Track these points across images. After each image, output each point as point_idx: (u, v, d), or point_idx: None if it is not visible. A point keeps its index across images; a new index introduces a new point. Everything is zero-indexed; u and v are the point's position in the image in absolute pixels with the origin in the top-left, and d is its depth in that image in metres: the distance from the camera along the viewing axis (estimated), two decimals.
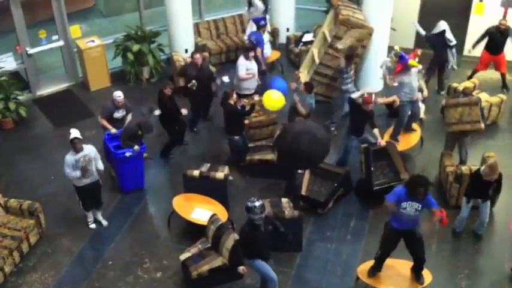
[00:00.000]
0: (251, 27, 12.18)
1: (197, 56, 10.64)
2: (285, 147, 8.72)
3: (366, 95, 9.50)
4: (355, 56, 10.98)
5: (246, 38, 12.24)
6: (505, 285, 7.95)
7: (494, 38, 11.70)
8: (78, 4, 14.42)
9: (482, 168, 8.10)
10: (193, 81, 10.37)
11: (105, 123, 9.70)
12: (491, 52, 11.86)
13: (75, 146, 8.24)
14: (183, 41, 12.68)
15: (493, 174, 7.99)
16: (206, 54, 12.23)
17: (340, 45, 11.16)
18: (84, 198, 8.72)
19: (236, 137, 9.71)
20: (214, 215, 8.34)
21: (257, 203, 6.94)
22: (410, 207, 7.09)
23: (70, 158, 8.28)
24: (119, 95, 9.64)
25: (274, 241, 7.41)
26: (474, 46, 12.04)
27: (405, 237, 7.46)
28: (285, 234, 7.38)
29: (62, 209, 9.36)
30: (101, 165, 8.62)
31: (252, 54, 10.81)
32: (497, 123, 11.16)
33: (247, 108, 9.80)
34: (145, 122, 9.37)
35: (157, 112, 9.94)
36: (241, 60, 10.84)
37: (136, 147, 9.21)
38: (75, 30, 12.34)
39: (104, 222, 9.04)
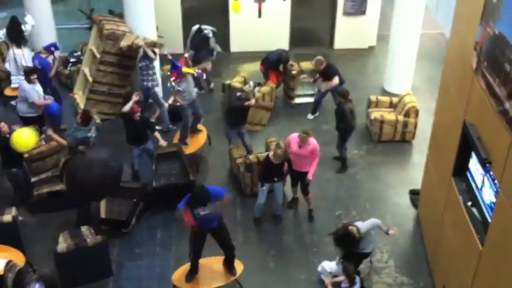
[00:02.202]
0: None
1: None
2: (77, 181, 8.33)
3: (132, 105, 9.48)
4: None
5: (6, 65, 11.69)
6: (309, 259, 8.57)
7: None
8: None
9: (271, 154, 8.64)
10: None
11: None
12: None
13: None
14: None
15: (280, 159, 8.55)
16: None
17: (123, 43, 10.92)
18: None
19: (14, 169, 8.95)
20: (9, 261, 7.58)
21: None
22: (203, 210, 7.20)
23: None
24: None
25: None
26: None
27: (212, 233, 7.60)
28: None
29: None
30: None
31: (34, 76, 10.11)
32: (272, 109, 11.97)
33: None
34: None
35: None
36: (26, 86, 10.10)
37: None
38: None
39: None
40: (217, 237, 7.66)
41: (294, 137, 8.74)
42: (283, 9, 14.11)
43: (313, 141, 8.69)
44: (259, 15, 13.98)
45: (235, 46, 14.15)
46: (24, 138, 8.78)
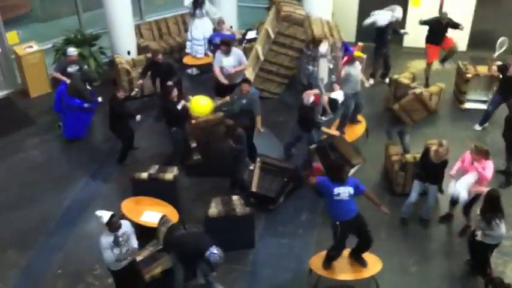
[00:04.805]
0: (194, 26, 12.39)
1: (159, 56, 10.62)
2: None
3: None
4: None
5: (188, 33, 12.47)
6: (454, 271, 8.19)
7: (436, 31, 11.92)
8: (14, 10, 13.97)
9: (433, 149, 8.34)
10: (136, 89, 10.41)
11: (59, 75, 10.70)
12: (435, 43, 12.10)
13: (113, 225, 6.92)
14: (124, 43, 12.51)
15: (439, 159, 8.29)
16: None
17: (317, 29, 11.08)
18: (124, 284, 7.40)
19: (174, 128, 9.62)
20: (164, 216, 8.24)
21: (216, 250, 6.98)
22: (343, 192, 7.19)
23: (106, 239, 6.90)
24: (72, 50, 10.78)
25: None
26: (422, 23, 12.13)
27: (353, 226, 7.48)
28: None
29: (4, 220, 9.08)
30: (135, 243, 7.21)
31: (223, 47, 10.61)
32: (438, 111, 11.47)
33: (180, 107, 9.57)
34: (83, 73, 10.80)
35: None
36: (217, 53, 10.88)
37: (99, 99, 10.49)
38: (12, 36, 12.01)
39: None
40: (357, 229, 7.53)
41: (469, 154, 8.35)
42: (467, 7, 13.36)
43: (488, 165, 8.17)
44: (440, 11, 13.37)
45: (408, 41, 13.69)
46: (201, 104, 9.56)
